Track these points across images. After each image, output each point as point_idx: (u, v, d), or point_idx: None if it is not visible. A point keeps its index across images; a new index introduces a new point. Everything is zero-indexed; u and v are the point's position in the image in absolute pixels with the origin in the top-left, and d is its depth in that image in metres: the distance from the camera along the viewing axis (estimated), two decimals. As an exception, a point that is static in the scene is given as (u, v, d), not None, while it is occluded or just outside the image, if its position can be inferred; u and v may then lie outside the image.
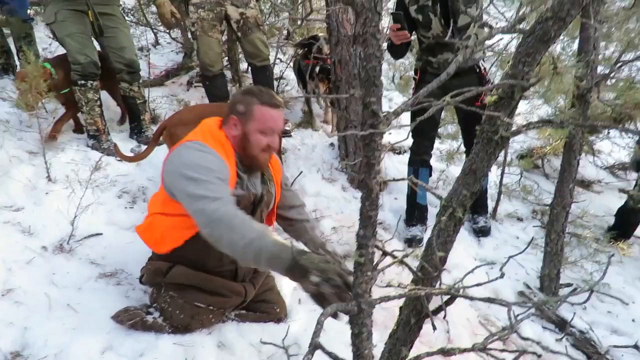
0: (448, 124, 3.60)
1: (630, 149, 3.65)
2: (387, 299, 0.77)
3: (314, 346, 0.64)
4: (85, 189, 2.19)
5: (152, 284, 1.70)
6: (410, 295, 0.80)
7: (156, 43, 4.61)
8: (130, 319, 1.59)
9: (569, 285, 2.35)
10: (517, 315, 0.82)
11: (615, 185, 3.52)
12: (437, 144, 3.23)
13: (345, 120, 2.90)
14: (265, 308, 1.78)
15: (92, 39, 2.70)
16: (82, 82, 2.65)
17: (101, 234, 2.12)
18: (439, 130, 3.12)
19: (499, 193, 2.91)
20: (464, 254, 2.49)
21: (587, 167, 3.66)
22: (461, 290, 0.85)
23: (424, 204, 2.68)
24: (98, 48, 2.80)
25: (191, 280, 1.59)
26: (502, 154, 3.12)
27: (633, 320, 2.22)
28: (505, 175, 3.04)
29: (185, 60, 4.10)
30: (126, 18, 3.80)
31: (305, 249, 1.74)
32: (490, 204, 2.89)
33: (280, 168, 1.82)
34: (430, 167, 2.68)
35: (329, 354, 0.66)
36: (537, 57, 0.94)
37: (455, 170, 3.22)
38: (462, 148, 2.98)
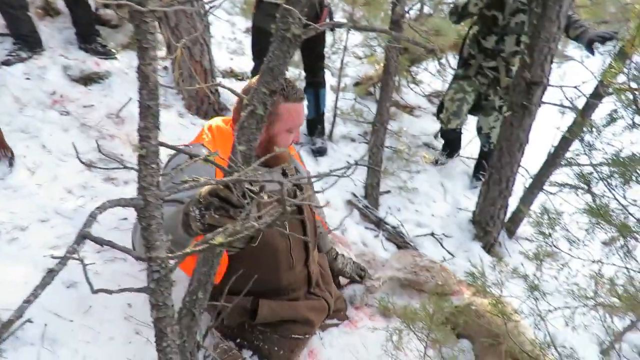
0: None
1: (445, 81, 4.26)
2: (176, 190, 0.77)
3: (82, 236, 0.61)
4: None
5: (237, 324, 1.51)
6: (208, 183, 0.80)
7: None
8: None
9: (387, 192, 2.75)
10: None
11: (431, 110, 4.12)
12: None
13: (177, 39, 2.66)
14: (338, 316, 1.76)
15: None
16: None
17: None
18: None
19: (334, 116, 3.13)
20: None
21: (409, 94, 4.17)
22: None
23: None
24: None
25: (281, 315, 1.49)
26: (336, 81, 3.31)
27: (432, 215, 2.74)
28: (341, 100, 3.27)
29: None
30: None
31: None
32: (327, 127, 3.09)
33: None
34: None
35: (95, 239, 0.63)
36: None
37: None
38: (303, 74, 3.05)
